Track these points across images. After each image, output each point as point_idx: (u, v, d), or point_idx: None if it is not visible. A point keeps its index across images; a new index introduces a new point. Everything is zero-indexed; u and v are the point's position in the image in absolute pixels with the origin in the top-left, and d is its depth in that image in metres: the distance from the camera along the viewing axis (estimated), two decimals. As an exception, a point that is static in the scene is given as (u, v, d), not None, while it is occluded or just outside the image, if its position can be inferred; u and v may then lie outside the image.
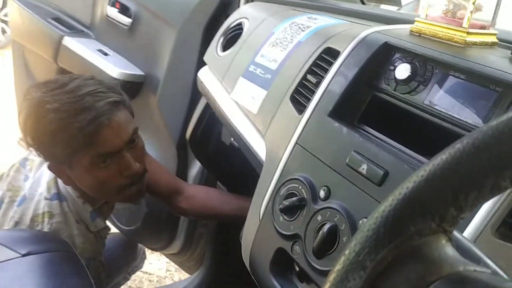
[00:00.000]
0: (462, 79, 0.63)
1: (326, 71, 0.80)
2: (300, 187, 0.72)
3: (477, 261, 0.48)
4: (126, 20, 1.58)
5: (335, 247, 0.64)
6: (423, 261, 0.32)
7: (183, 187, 1.23)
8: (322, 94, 0.76)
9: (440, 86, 0.65)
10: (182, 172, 1.49)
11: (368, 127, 0.72)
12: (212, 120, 1.25)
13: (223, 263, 1.46)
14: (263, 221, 0.78)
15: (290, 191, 0.74)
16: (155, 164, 1.20)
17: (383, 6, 1.34)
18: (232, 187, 1.34)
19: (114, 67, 1.57)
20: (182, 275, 2.05)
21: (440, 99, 0.64)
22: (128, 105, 1.00)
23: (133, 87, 1.57)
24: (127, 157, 0.96)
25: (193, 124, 1.24)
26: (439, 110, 0.63)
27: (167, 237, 1.58)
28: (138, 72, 1.57)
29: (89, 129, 0.88)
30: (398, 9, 1.42)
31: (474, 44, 0.70)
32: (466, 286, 0.30)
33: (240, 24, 1.14)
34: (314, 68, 0.83)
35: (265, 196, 0.79)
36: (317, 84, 0.79)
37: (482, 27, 0.70)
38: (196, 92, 1.36)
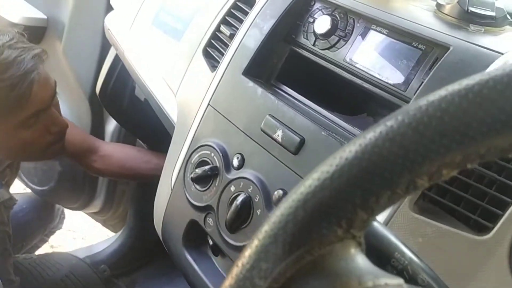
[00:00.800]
0: (385, 34, 0.57)
1: (239, 21, 0.72)
2: (213, 155, 0.65)
3: (393, 250, 0.45)
4: (21, -45, 1.37)
5: (249, 221, 0.59)
6: (327, 276, 0.27)
7: (98, 145, 1.13)
8: (236, 48, 0.68)
9: (361, 42, 0.59)
10: (97, 129, 1.37)
11: (285, 87, 0.66)
12: (124, 73, 1.13)
13: (147, 224, 1.40)
14: (174, 190, 0.71)
15: (202, 158, 0.67)
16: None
17: None
18: (152, 145, 1.25)
19: (12, 10, 1.37)
20: (110, 232, 1.97)
21: (361, 57, 0.58)
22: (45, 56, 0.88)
23: (34, 33, 1.39)
24: (54, 112, 0.88)
25: (102, 77, 1.12)
26: (360, 69, 0.58)
27: (86, 196, 1.48)
28: (40, 15, 1.39)
29: (21, 86, 0.78)
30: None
31: (399, -6, 0.64)
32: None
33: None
34: (228, 18, 0.74)
35: (176, 162, 0.72)
36: (231, 37, 0.71)
37: (407, -25, 0.64)
38: (106, 40, 1.23)
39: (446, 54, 0.50)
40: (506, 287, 0.42)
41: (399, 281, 0.28)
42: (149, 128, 1.22)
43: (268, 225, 0.29)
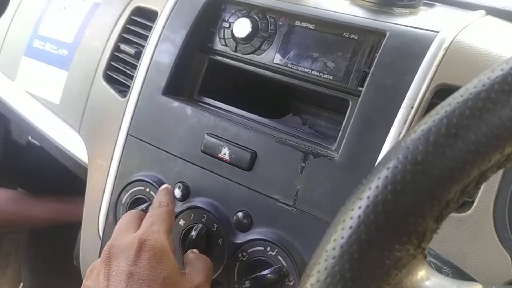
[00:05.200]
0: (311, 29, 0.55)
1: (143, 37, 0.64)
2: (148, 190, 0.57)
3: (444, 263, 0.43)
4: None
5: (210, 254, 0.53)
6: (413, 304, 0.24)
7: None
8: (148, 67, 0.60)
9: (288, 40, 0.56)
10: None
11: (211, 100, 0.61)
12: (-7, 116, 0.96)
13: (50, 279, 1.23)
14: (105, 239, 0.61)
15: (135, 196, 0.58)
16: None
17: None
18: (36, 189, 1.10)
19: None
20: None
21: (292, 56, 0.55)
22: None
23: None
24: None
25: (-35, 126, 0.94)
26: (294, 69, 0.55)
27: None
28: None
29: None
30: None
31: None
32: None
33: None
34: (126, 36, 0.66)
35: (100, 207, 0.62)
36: (137, 56, 0.63)
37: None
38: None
39: (385, 40, 0.49)
40: (500, 258, 0.43)
41: (478, 286, 0.25)
42: (30, 173, 1.07)
43: (324, 260, 0.25)
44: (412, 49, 0.48)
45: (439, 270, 0.42)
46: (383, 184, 0.24)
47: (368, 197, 0.24)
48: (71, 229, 0.94)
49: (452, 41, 0.47)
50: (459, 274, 0.42)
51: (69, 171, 0.77)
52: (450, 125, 0.23)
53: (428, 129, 0.23)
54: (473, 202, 0.44)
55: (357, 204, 0.24)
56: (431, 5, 0.61)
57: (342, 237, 0.24)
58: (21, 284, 1.31)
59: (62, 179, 0.99)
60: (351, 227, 0.24)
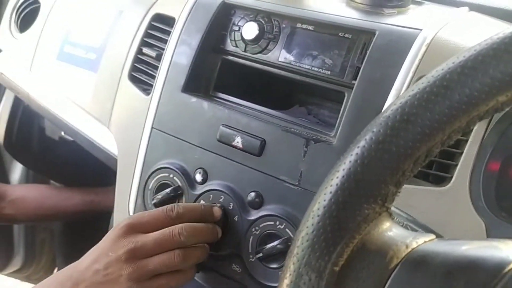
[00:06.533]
0: (311, 30, 0.62)
1: (162, 41, 0.72)
2: (172, 176, 0.66)
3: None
4: None
5: (227, 229, 0.61)
6: (379, 248, 0.31)
7: (3, 190, 1.05)
8: (168, 67, 0.68)
9: (291, 41, 0.63)
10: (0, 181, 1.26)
11: (224, 94, 0.68)
12: (28, 116, 1.06)
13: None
14: (136, 220, 0.70)
15: (160, 182, 0.67)
16: None
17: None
18: (68, 182, 1.19)
19: None
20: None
21: (295, 54, 0.63)
22: None
23: None
24: None
25: (4, 125, 1.04)
26: (297, 66, 0.62)
27: (3, 256, 1.35)
28: None
29: None
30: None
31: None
32: (429, 265, 0.29)
33: (33, -5, 0.95)
34: (147, 40, 0.74)
35: (130, 193, 0.70)
36: (158, 58, 0.71)
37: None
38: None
39: (374, 39, 0.56)
40: (476, 225, 0.50)
41: (432, 236, 0.33)
42: (64, 166, 1.15)
43: (311, 218, 0.32)
44: (398, 46, 0.55)
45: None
46: (355, 160, 0.31)
47: (343, 170, 0.31)
48: (102, 217, 1.03)
49: (433, 38, 0.54)
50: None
51: (97, 164, 0.86)
52: (403, 113, 0.30)
53: (387, 116, 0.31)
54: (452, 177, 0.51)
55: (335, 175, 0.32)
56: (420, 3, 0.67)
57: (325, 200, 0.32)
58: (55, 269, 1.41)
59: (92, 171, 1.07)
60: (331, 192, 0.32)
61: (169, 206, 0.58)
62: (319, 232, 0.31)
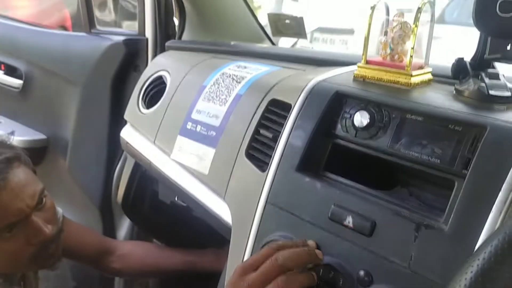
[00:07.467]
0: (421, 121, 0.67)
1: (278, 124, 0.81)
2: (283, 248, 0.71)
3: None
4: (16, 82, 1.43)
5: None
6: None
7: (114, 245, 1.15)
8: (284, 148, 0.76)
9: (401, 130, 0.68)
10: (109, 235, 1.39)
11: (333, 175, 0.74)
12: (144, 180, 1.18)
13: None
14: None
15: (272, 253, 0.72)
16: (75, 225, 1.09)
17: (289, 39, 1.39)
18: (171, 242, 1.28)
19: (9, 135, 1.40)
20: None
21: (404, 142, 0.68)
22: (26, 161, 0.87)
23: (35, 153, 1.42)
24: (36, 222, 0.83)
25: (123, 187, 1.17)
26: (406, 153, 0.67)
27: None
28: (40, 136, 1.43)
29: None
30: (295, 44, 1.47)
31: (417, 84, 0.75)
32: None
33: (160, 77, 1.10)
34: (264, 122, 0.83)
35: (243, 259, 0.76)
36: (274, 139, 0.79)
37: (420, 67, 0.76)
38: (112, 151, 1.29)
39: (486, 133, 0.60)
40: None
41: None
42: (170, 228, 1.25)
43: None
44: (509, 142, 0.58)
45: None
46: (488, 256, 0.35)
47: (478, 265, 0.35)
48: (196, 277, 1.10)
49: (545, 135, 0.57)
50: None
51: (200, 229, 0.93)
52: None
53: None
54: None
55: (469, 269, 0.36)
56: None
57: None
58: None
59: (192, 234, 1.16)
60: (465, 285, 0.35)
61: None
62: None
